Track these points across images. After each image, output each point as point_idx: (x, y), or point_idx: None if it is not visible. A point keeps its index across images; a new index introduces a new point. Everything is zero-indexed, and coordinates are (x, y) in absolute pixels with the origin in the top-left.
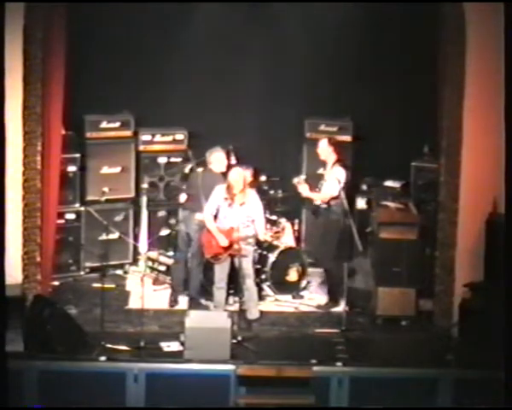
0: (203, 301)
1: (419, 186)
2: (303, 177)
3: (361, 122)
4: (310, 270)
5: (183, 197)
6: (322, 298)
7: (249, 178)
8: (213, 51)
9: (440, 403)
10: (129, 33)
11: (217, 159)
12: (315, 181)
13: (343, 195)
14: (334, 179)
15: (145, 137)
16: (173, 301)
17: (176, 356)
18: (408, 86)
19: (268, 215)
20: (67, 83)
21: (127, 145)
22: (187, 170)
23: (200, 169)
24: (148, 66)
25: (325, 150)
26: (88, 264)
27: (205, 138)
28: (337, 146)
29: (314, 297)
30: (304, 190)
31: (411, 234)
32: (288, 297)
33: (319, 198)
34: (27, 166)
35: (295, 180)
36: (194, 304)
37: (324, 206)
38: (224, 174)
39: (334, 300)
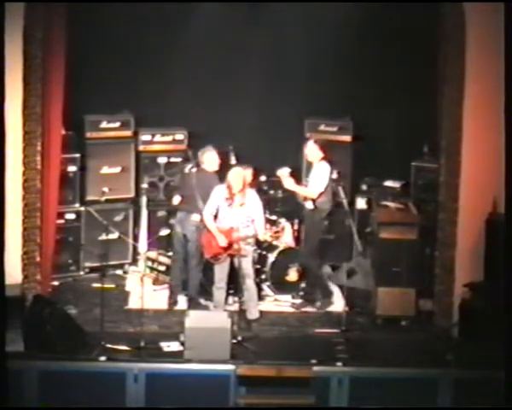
0: (202, 301)
1: (419, 186)
2: (287, 169)
3: (361, 122)
4: None
5: (176, 199)
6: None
7: (249, 178)
8: (213, 51)
9: (440, 403)
10: (129, 33)
11: (209, 158)
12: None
13: (343, 194)
14: (319, 175)
15: (145, 137)
16: (172, 303)
17: (176, 356)
18: (408, 86)
19: (268, 215)
20: (67, 83)
21: (127, 145)
22: (186, 170)
23: (193, 170)
24: (148, 66)
25: (311, 149)
26: (88, 264)
27: (205, 138)
28: (323, 145)
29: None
30: (289, 183)
31: (411, 234)
32: (288, 297)
33: (306, 193)
34: (27, 166)
35: (279, 172)
36: (193, 304)
37: (311, 206)
38: (217, 173)
39: (310, 300)
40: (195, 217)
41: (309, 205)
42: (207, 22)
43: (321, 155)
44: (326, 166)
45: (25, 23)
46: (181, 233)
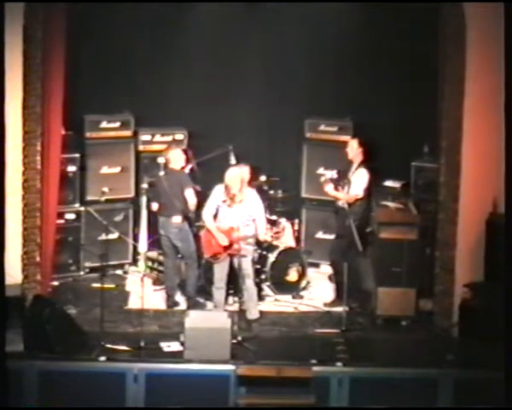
0: (201, 300)
1: (419, 186)
2: (328, 176)
3: (361, 122)
4: (311, 270)
5: (154, 206)
6: (328, 295)
7: (247, 176)
8: (213, 51)
9: (440, 403)
10: (129, 33)
11: (174, 156)
12: (314, 181)
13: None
14: (359, 180)
15: (145, 137)
16: (171, 305)
17: (176, 356)
18: (408, 86)
19: (268, 215)
20: (67, 83)
21: (127, 145)
22: (156, 177)
23: (161, 173)
24: (148, 66)
25: (354, 150)
26: (88, 264)
27: (205, 138)
28: (366, 148)
29: (319, 295)
30: (329, 189)
31: (411, 234)
32: (288, 297)
33: (345, 198)
34: (27, 166)
35: (322, 179)
36: (191, 303)
37: (345, 206)
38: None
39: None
40: (176, 219)
41: (343, 204)
42: (207, 22)
43: (361, 157)
44: (365, 173)
45: (25, 23)
46: (165, 236)
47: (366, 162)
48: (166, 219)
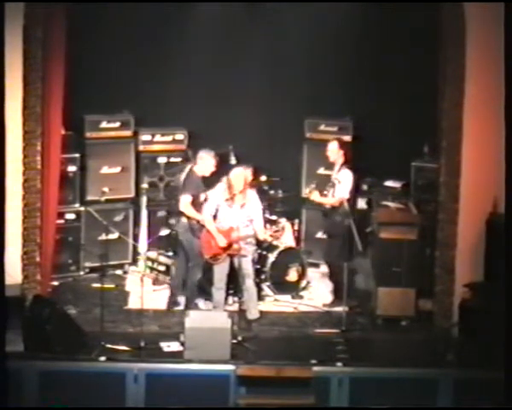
0: (200, 304)
1: (419, 186)
2: (313, 185)
3: (361, 122)
4: (311, 270)
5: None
6: (327, 297)
7: (249, 178)
8: (213, 51)
9: (440, 403)
10: (129, 33)
11: (207, 162)
12: (314, 181)
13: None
14: (343, 182)
15: (145, 137)
16: (172, 304)
17: (176, 356)
18: (408, 86)
19: (268, 215)
20: (67, 83)
21: (127, 145)
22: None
23: (185, 171)
24: (147, 66)
25: (335, 153)
26: (87, 264)
27: (205, 138)
28: (346, 148)
29: (318, 296)
30: (316, 197)
31: (411, 234)
32: (288, 297)
33: (331, 203)
34: (27, 166)
35: (307, 190)
36: (189, 305)
37: (333, 207)
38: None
39: (340, 298)
40: (184, 218)
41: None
42: (207, 22)
43: (343, 159)
44: (349, 174)
45: (25, 22)
46: (177, 232)
47: (348, 163)
48: (178, 216)
